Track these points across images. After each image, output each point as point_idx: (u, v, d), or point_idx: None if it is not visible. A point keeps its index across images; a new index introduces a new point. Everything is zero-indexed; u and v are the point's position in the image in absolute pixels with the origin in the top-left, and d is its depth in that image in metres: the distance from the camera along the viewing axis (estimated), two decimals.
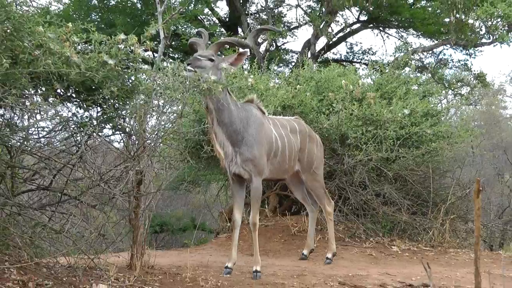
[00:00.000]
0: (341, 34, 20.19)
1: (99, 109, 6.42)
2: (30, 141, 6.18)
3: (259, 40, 18.77)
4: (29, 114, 5.84)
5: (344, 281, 7.53)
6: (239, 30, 19.23)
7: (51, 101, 5.90)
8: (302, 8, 20.79)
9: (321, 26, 17.41)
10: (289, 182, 9.25)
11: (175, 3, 17.18)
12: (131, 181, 6.71)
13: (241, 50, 7.80)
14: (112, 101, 6.35)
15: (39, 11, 5.84)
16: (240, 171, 7.74)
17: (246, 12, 19.43)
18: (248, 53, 7.77)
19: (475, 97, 23.89)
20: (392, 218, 10.70)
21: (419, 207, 11.04)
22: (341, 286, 7.39)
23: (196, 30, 19.64)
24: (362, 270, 8.57)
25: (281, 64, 20.42)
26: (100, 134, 6.63)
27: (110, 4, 20.47)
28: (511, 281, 6.27)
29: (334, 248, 9.13)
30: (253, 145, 7.72)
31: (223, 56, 7.87)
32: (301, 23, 21.01)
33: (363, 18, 20.14)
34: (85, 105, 6.22)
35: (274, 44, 20.16)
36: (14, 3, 5.37)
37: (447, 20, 17.09)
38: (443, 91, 18.74)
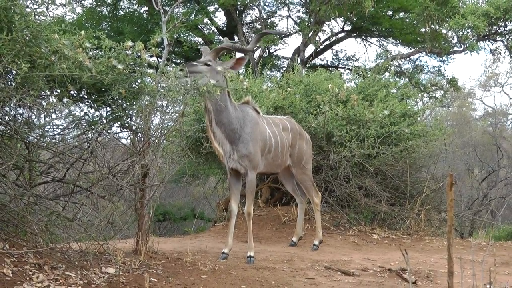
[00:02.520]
0: (327, 42, 20.19)
1: (108, 109, 6.40)
2: (46, 138, 6.17)
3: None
4: (45, 113, 5.83)
5: (329, 266, 7.55)
6: (236, 38, 19.21)
7: (65, 102, 5.88)
8: (292, 19, 20.81)
9: (309, 35, 17.39)
10: (280, 175, 9.26)
11: (178, 14, 17.18)
12: (137, 174, 6.72)
13: (238, 55, 7.79)
14: (120, 101, 6.33)
15: (55, 20, 5.80)
16: (237, 166, 7.77)
17: (242, 22, 19.42)
18: (247, 58, 7.76)
19: (448, 99, 23.94)
20: (373, 208, 10.70)
21: (397, 199, 11.04)
22: (326, 270, 7.41)
23: (196, 37, 19.77)
24: (345, 256, 8.59)
25: (273, 69, 20.40)
26: (109, 131, 6.61)
27: (119, 14, 20.52)
28: (479, 265, 6.26)
29: (320, 236, 9.14)
30: (248, 142, 7.73)
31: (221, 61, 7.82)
32: (292, 32, 21.00)
33: (347, 28, 20.15)
34: (95, 105, 6.20)
35: (267, 50, 20.15)
36: (33, 13, 5.36)
37: (423, 30, 17.11)
38: (419, 94, 18.78)
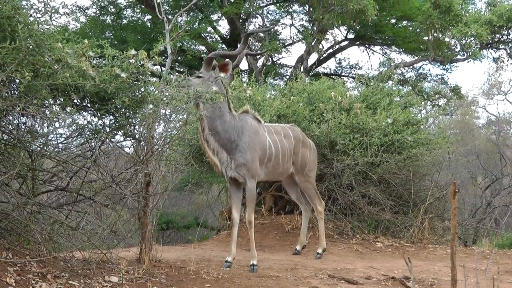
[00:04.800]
0: (330, 50, 20.20)
1: (111, 117, 6.41)
2: (49, 146, 6.17)
3: (257, 56, 18.75)
4: (48, 122, 5.84)
5: (333, 274, 7.52)
6: (239, 46, 19.22)
7: (68, 110, 5.90)
8: (295, 27, 20.84)
9: (312, 43, 17.39)
10: (284, 183, 9.27)
11: (181, 22, 17.24)
12: (140, 183, 6.71)
13: (224, 61, 7.79)
14: (123, 110, 6.34)
15: (58, 29, 5.81)
16: (235, 175, 7.80)
17: (245, 30, 19.40)
18: (229, 62, 7.78)
19: (451, 108, 23.92)
20: (377, 217, 10.67)
21: (400, 207, 11.01)
22: (330, 278, 7.38)
23: (199, 46, 19.83)
24: (349, 264, 8.56)
25: (276, 77, 20.42)
26: (112, 140, 6.62)
27: (123, 23, 20.59)
28: (483, 273, 6.26)
29: (324, 244, 9.11)
30: (246, 151, 7.74)
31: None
32: (295, 41, 21.03)
33: (350, 36, 20.17)
34: (99, 114, 6.21)
35: (270, 59, 20.17)
36: (36, 22, 5.37)
37: (426, 38, 17.11)
38: (423, 102, 18.78)
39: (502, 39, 16.46)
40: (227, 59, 7.81)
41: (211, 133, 7.55)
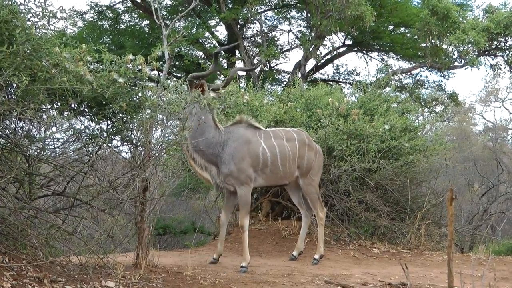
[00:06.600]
0: (328, 56, 20.25)
1: (109, 122, 6.41)
2: (47, 151, 6.17)
3: (255, 61, 18.77)
4: (45, 126, 5.83)
5: (329, 280, 7.51)
6: (237, 52, 19.25)
7: (65, 115, 5.90)
8: (293, 33, 20.92)
9: (310, 49, 17.44)
10: (287, 187, 9.26)
11: (179, 27, 17.26)
12: (137, 188, 6.72)
13: (199, 82, 7.90)
14: (121, 115, 6.34)
15: (56, 33, 5.81)
16: (225, 185, 8.10)
17: (243, 36, 19.43)
18: (204, 82, 7.89)
19: (448, 114, 23.97)
20: (373, 223, 10.66)
21: (397, 213, 10.99)
22: (327, 284, 7.37)
23: (197, 51, 19.86)
24: (346, 270, 8.55)
25: (274, 83, 20.43)
26: (109, 145, 6.61)
27: (120, 28, 20.62)
28: (479, 280, 6.26)
29: (322, 251, 9.07)
30: (230, 162, 7.99)
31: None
32: (293, 46, 21.08)
33: (348, 42, 20.23)
34: (96, 119, 6.21)
35: (268, 65, 20.19)
36: (34, 26, 5.37)
37: (423, 45, 17.18)
38: (420, 109, 18.83)
39: (499, 46, 16.53)
40: (201, 80, 7.90)
41: (195, 150, 7.73)
